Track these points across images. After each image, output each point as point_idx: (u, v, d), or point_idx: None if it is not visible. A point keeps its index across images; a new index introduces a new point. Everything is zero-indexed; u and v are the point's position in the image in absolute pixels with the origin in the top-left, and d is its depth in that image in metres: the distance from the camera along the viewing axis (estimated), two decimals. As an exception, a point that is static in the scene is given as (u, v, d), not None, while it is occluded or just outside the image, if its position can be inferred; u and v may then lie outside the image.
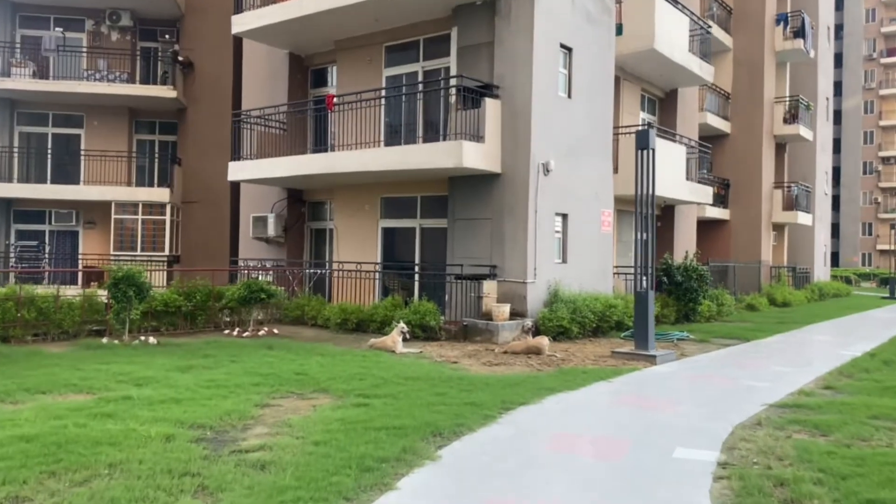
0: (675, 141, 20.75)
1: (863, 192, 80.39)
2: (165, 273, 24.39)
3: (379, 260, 17.92)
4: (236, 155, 19.03)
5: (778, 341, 15.57)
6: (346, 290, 16.67)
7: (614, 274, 19.04)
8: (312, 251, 20.49)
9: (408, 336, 12.66)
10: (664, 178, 19.17)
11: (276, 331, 14.81)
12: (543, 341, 12.31)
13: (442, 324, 14.54)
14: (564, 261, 16.31)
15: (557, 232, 16.15)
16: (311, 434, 6.60)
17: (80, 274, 26.23)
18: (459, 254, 16.05)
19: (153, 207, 26.97)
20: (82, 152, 27.75)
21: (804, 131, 31.74)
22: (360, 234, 18.32)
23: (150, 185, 27.82)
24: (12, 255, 27.42)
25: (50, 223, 27.88)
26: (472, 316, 14.76)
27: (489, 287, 15.08)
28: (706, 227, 28.87)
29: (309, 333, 14.99)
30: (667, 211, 23.24)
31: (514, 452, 6.30)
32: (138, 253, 26.58)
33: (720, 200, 29.86)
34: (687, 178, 21.67)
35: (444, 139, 15.41)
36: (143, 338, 13.04)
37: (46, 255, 27.67)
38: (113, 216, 26.70)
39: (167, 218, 27.03)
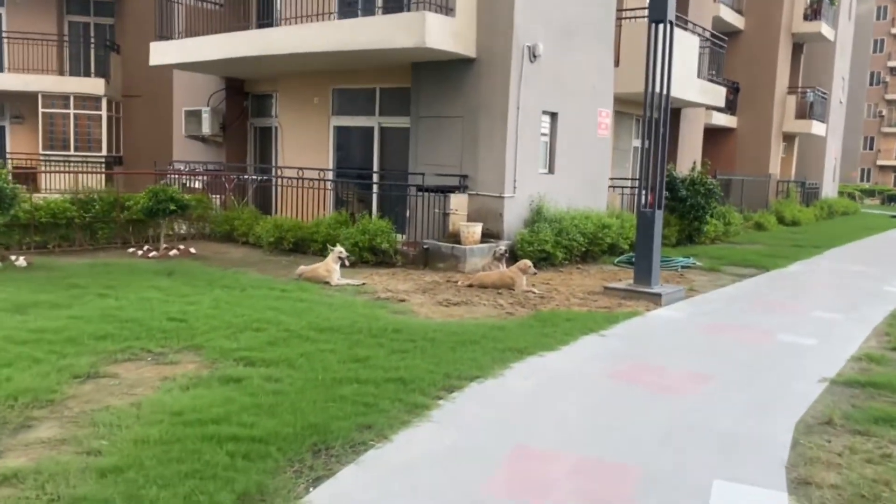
0: (686, 29, 17.53)
1: (867, 103, 76.91)
2: (103, 176, 21.29)
3: (331, 166, 15.02)
4: (160, 33, 15.74)
5: (802, 271, 13.02)
6: (293, 203, 13.80)
7: (609, 187, 16.26)
8: (257, 154, 17.50)
9: (347, 263, 9.96)
10: (673, 73, 16.13)
11: (192, 250, 12.06)
12: (518, 273, 9.64)
13: (399, 246, 11.84)
14: (551, 171, 13.48)
15: (544, 135, 13.25)
16: (109, 451, 3.97)
17: (9, 175, 23.26)
18: (424, 160, 13.17)
19: (86, 101, 23.64)
20: (3, 34, 24.10)
21: (826, 30, 28.33)
22: (309, 133, 15.32)
23: (86, 75, 24.35)
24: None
25: (-31, 117, 24.57)
26: (437, 236, 12.06)
27: (457, 202, 12.29)
28: (711, 136, 25.87)
29: (235, 254, 12.27)
30: (671, 115, 20.20)
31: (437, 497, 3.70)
32: (71, 153, 23.45)
33: (728, 106, 26.75)
34: (698, 77, 18.58)
35: (408, 10, 12.23)
36: (13, 257, 10.29)
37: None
38: (40, 110, 23.39)
39: (103, 113, 23.74)
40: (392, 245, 11.54)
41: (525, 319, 7.80)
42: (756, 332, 7.76)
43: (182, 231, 13.64)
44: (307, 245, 12.24)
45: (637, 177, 13.42)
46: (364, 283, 9.76)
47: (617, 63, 15.93)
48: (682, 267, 12.76)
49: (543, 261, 11.90)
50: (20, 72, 23.54)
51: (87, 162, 23.23)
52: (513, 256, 11.88)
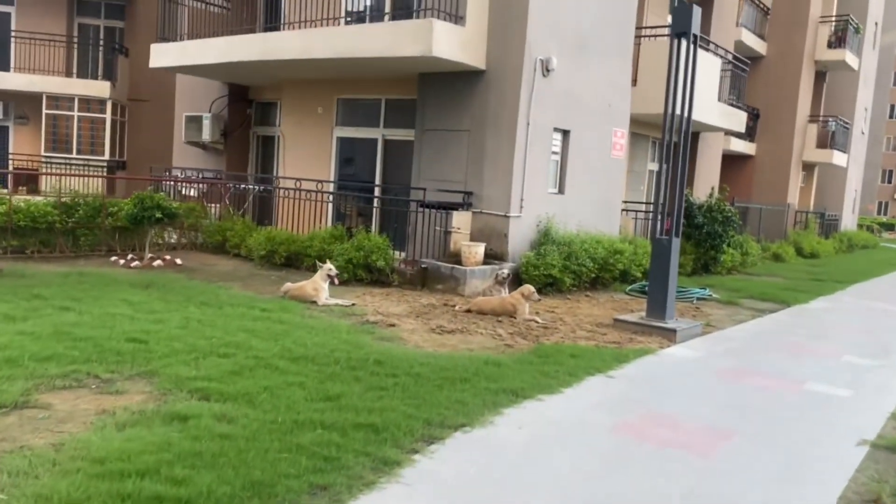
0: (707, 50, 16.85)
1: (886, 136, 75.87)
2: (104, 180, 20.73)
3: (333, 177, 14.38)
4: (162, 35, 15.21)
5: (826, 308, 12.19)
6: (292, 215, 13.08)
7: (622, 211, 15.53)
8: (258, 162, 16.90)
9: (336, 281, 9.25)
10: (695, 95, 15.46)
11: (178, 261, 11.40)
12: (520, 300, 8.91)
13: (397, 264, 11.14)
14: (561, 191, 12.77)
15: (555, 153, 12.56)
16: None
17: (9, 176, 22.87)
18: (428, 175, 12.49)
19: (91, 103, 23.21)
20: (12, 34, 23.75)
21: (850, 58, 27.57)
22: (312, 143, 14.70)
23: (94, 77, 23.90)
24: (-70, 150, 23.79)
25: (-27, 116, 24.15)
26: (438, 255, 11.35)
27: (460, 220, 11.60)
28: (728, 163, 25.06)
29: (224, 267, 11.60)
30: (690, 138, 19.48)
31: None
32: (73, 155, 22.98)
33: (747, 133, 26.00)
34: (718, 100, 17.87)
35: (416, 17, 11.60)
36: (-15, 263, 9.68)
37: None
38: (44, 111, 22.97)
39: (107, 116, 23.30)
40: (389, 263, 10.84)
41: (525, 354, 7.05)
42: (781, 378, 6.98)
43: (172, 240, 13.02)
44: (300, 260, 11.57)
45: (652, 201, 12.67)
46: (354, 304, 9.05)
47: (634, 82, 15.25)
48: (699, 299, 11.98)
49: (550, 286, 11.17)
50: (27, 72, 23.18)
51: (88, 165, 22.75)
52: (517, 280, 11.15)
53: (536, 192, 11.97)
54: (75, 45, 24.39)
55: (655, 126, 17.00)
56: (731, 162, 25.62)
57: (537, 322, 8.70)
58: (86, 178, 18.82)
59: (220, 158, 16.77)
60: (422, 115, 12.53)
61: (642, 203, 17.70)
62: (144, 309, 7.62)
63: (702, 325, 9.22)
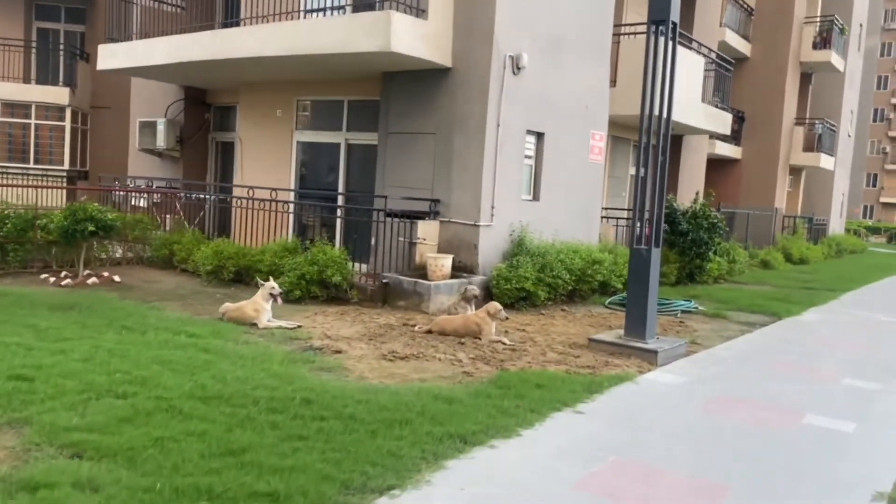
0: (690, 48, 16.08)
1: (871, 140, 75.80)
2: (63, 192, 19.61)
3: (293, 185, 13.45)
4: (110, 35, 14.26)
5: (820, 320, 11.37)
6: (250, 226, 12.09)
7: (602, 218, 14.69)
8: (218, 170, 15.96)
9: (279, 300, 8.30)
10: (676, 97, 14.68)
11: (117, 278, 10.42)
12: (485, 319, 8.01)
13: (357, 279, 10.23)
14: (535, 198, 11.90)
15: (529, 157, 11.70)
16: None
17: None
18: (393, 181, 11.60)
19: (49, 111, 22.16)
20: (-34, 39, 22.66)
21: (836, 59, 26.95)
22: (271, 149, 13.77)
23: (54, 83, 22.83)
24: None
25: (-75, 124, 23.02)
26: (404, 268, 10.45)
27: (426, 229, 10.70)
28: (714, 167, 24.33)
29: (167, 284, 10.64)
30: (672, 143, 18.70)
31: None
32: (31, 165, 21.90)
33: (733, 136, 25.31)
34: (702, 101, 17.11)
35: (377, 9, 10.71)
36: None
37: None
38: (-1, 119, 21.92)
39: (66, 124, 22.25)
40: (346, 278, 9.92)
41: (484, 384, 6.15)
42: (777, 409, 6.11)
43: (118, 255, 12.04)
44: (251, 275, 10.61)
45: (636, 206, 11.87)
46: (300, 326, 8.12)
47: (614, 83, 14.45)
48: (683, 311, 11.14)
49: (523, 300, 10.29)
50: (-18, 78, 22.15)
51: (46, 176, 21.67)
52: (488, 295, 10.27)
53: (509, 199, 11.10)
54: (33, 50, 23.34)
55: (637, 129, 16.25)
56: (717, 166, 24.91)
57: (504, 344, 7.80)
58: (38, 190, 17.70)
59: (177, 166, 15.81)
60: (385, 118, 11.64)
61: (624, 210, 16.89)
62: (51, 336, 6.66)
63: (686, 343, 8.35)
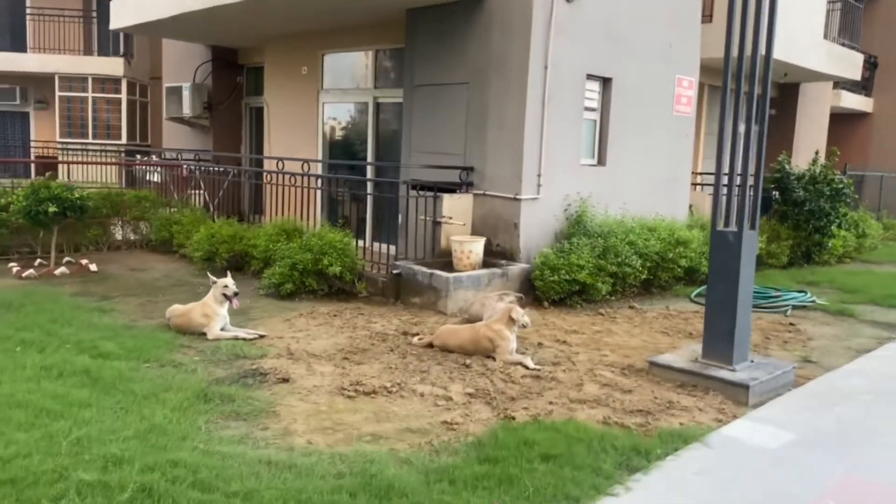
0: (811, -28, 12.94)
1: None
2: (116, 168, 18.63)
3: (320, 155, 11.57)
4: (121, -11, 12.74)
5: None
6: (280, 204, 10.16)
7: (694, 186, 12.03)
8: (252, 140, 14.29)
9: (235, 304, 6.35)
10: (788, 31, 11.76)
11: (94, 267, 8.87)
12: (501, 330, 5.78)
13: (370, 269, 8.24)
14: (601, 162, 9.48)
15: (591, 110, 9.26)
16: None
17: (32, 165, 21.25)
18: (420, 145, 9.50)
19: (105, 83, 21.31)
20: (27, 11, 22.11)
21: None
22: (297, 114, 11.94)
23: (115, 54, 21.96)
24: (-48, 140, 22.55)
25: (-9, 102, 22.74)
26: (429, 254, 8.38)
27: (454, 205, 8.55)
28: (838, 122, 20.62)
29: (153, 273, 9.01)
30: (786, 92, 15.59)
31: None
32: (90, 140, 21.17)
33: (862, 86, 21.46)
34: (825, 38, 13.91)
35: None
36: None
37: (-12, 142, 22.64)
38: (57, 93, 21.26)
39: (123, 97, 21.35)
40: (350, 268, 7.92)
41: (461, 455, 3.99)
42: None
43: (119, 237, 10.57)
44: (246, 262, 8.85)
45: (714, 173, 9.18)
46: (261, 336, 6.20)
47: (709, 17, 11.69)
48: (795, 307, 8.49)
49: (577, 295, 7.99)
50: (43, 52, 21.54)
51: (105, 151, 20.86)
52: (530, 288, 8.05)
53: (562, 165, 8.75)
54: (94, 21, 22.53)
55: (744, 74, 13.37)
56: (843, 121, 21.19)
57: (526, 367, 5.57)
58: (98, 167, 16.67)
59: (206, 136, 14.27)
60: (411, 67, 9.50)
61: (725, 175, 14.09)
62: None
63: (795, 366, 5.82)
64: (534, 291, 8.04)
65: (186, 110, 13.64)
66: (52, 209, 8.25)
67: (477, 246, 8.01)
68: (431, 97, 9.23)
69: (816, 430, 4.58)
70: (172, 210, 10.56)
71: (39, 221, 8.49)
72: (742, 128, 5.41)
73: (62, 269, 8.53)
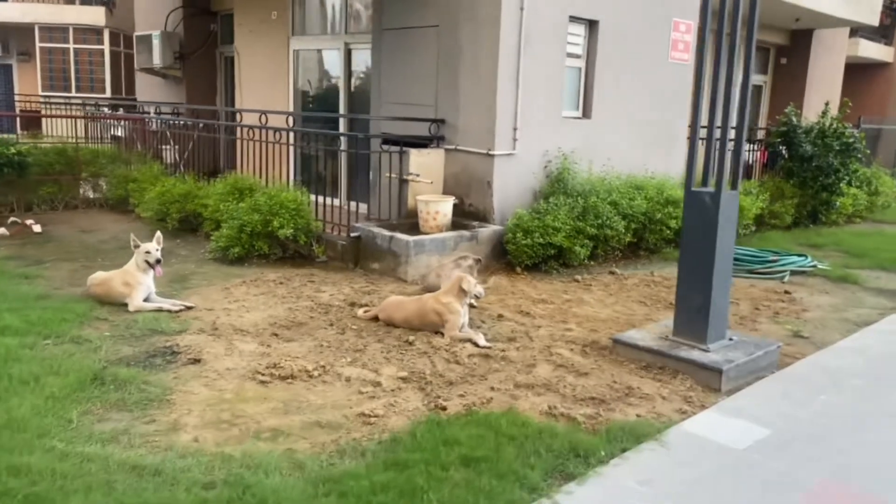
0: None
1: None
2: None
3: (291, 107, 10.84)
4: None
5: None
6: (251, 160, 9.43)
7: (695, 140, 11.19)
8: (227, 91, 13.55)
9: (159, 270, 5.72)
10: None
11: (37, 228, 8.31)
12: (451, 302, 5.14)
13: (331, 231, 7.60)
14: (586, 114, 8.71)
15: (575, 56, 8.46)
16: None
17: (17, 120, 20.60)
18: (390, 95, 8.77)
19: (87, 34, 20.51)
20: (6, -41, 21.20)
21: None
22: (267, 63, 11.17)
23: (98, 3, 21.08)
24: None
25: (-28, 53, 22.03)
26: (398, 214, 7.74)
27: (421, 162, 7.85)
28: (855, 73, 19.54)
29: (99, 235, 8.42)
30: (798, 39, 14.58)
31: None
32: (73, 94, 20.46)
33: (882, 34, 20.28)
34: (841, -21, 12.87)
35: None
36: None
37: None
38: (37, 44, 20.51)
39: (105, 48, 20.57)
40: (304, 229, 7.28)
41: (374, 454, 3.40)
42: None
43: (77, 196, 9.97)
44: (199, 223, 8.24)
45: (697, 124, 8.48)
46: (189, 308, 5.60)
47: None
48: (793, 272, 7.80)
49: (554, 260, 7.33)
50: (22, 1, 20.72)
51: (87, 105, 20.15)
52: (503, 253, 7.40)
53: (542, 118, 8.00)
54: (74, -34, 21.59)
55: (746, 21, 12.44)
56: (860, 72, 20.07)
57: (477, 345, 4.95)
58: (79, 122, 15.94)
59: (180, 87, 13.55)
60: (379, 7, 8.72)
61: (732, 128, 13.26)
62: None
63: (779, 343, 5.15)
64: (506, 256, 7.38)
65: (157, 60, 12.90)
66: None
67: (444, 206, 7.33)
68: (400, 42, 8.46)
69: (795, 424, 3.94)
70: (131, 167, 9.90)
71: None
72: (724, 75, 4.65)
73: (2, 231, 7.95)
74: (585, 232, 7.40)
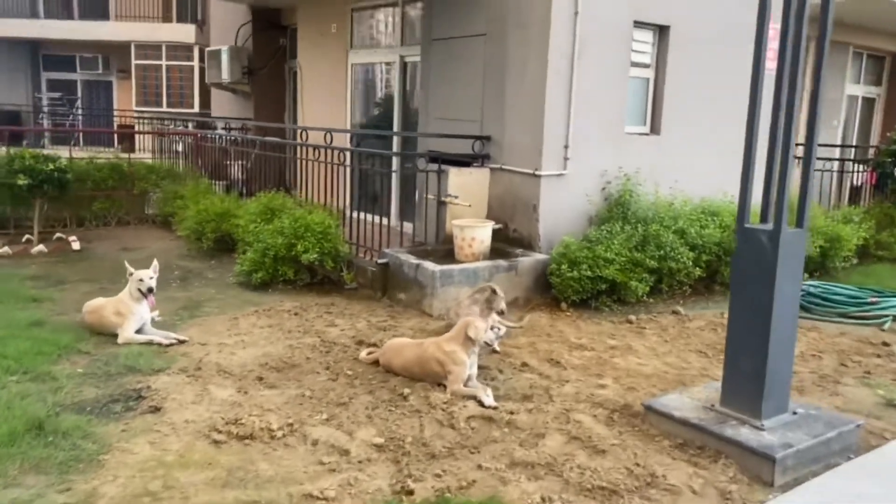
0: None
1: None
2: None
3: (348, 123, 10.40)
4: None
5: None
6: (309, 179, 8.88)
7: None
8: (295, 107, 13.32)
9: (150, 301, 5.26)
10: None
11: (76, 245, 8.19)
12: (455, 351, 4.40)
13: (364, 256, 7.04)
14: (654, 129, 7.79)
15: (642, 65, 7.57)
16: None
17: (115, 136, 21.43)
18: (437, 110, 8.17)
19: (178, 51, 21.08)
20: (107, -22, 22.19)
21: None
22: (327, 78, 10.82)
23: (194, 21, 21.66)
24: (44, 109, 23.11)
25: (77, 71, 23.06)
26: (436, 239, 7.11)
27: (462, 182, 7.17)
28: None
29: (144, 252, 8.18)
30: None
31: None
32: (164, 109, 21.05)
33: None
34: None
35: None
36: None
37: (75, 111, 23.02)
38: (133, 62, 21.26)
39: (195, 64, 21.04)
40: (332, 255, 6.73)
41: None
42: None
43: (130, 212, 9.88)
44: (234, 243, 7.86)
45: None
46: (182, 341, 5.14)
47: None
48: (895, 318, 6.59)
49: (606, 295, 6.46)
50: (125, 20, 21.55)
51: (177, 120, 20.69)
52: (546, 287, 6.61)
53: (599, 134, 7.15)
54: (172, -14, 22.33)
55: (855, 28, 11.12)
56: None
57: (482, 404, 4.19)
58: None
59: (249, 103, 13.45)
60: (429, 16, 8.14)
61: (836, 146, 11.91)
62: None
63: (860, 422, 4.11)
64: (551, 290, 6.57)
65: (224, 75, 12.83)
66: (21, 181, 7.53)
67: (481, 232, 6.61)
68: (448, 53, 7.84)
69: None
70: (184, 183, 9.73)
71: (16, 195, 7.81)
72: (786, 80, 3.74)
73: (39, 248, 7.86)
74: (644, 264, 6.49)
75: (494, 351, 5.10)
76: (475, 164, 7.40)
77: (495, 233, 7.12)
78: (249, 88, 13.22)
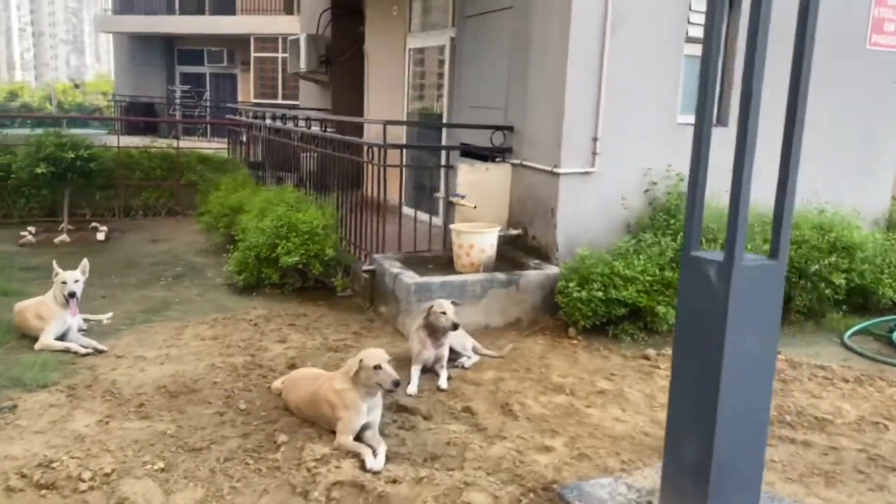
0: None
1: None
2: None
3: (405, 115, 9.65)
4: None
5: None
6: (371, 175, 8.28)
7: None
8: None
9: (74, 306, 4.74)
10: None
11: (101, 236, 8.02)
12: (343, 397, 3.48)
13: (357, 260, 6.29)
14: (720, 120, 6.37)
15: (698, 41, 6.18)
16: None
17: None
18: (465, 96, 7.22)
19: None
20: (236, -27, 22.84)
21: None
22: (388, 65, 10.16)
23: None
24: (177, 101, 24.23)
25: (206, 64, 23.94)
26: (444, 244, 6.22)
27: (474, 179, 6.19)
28: None
29: (169, 244, 8.00)
30: None
31: None
32: (279, 101, 21.36)
33: None
34: None
35: None
36: None
37: (202, 103, 23.92)
38: (252, 54, 21.76)
39: (306, 56, 21.07)
40: (320, 257, 6.01)
41: None
42: None
43: (180, 202, 9.73)
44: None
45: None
46: (101, 352, 4.61)
47: None
48: None
49: (629, 321, 5.27)
50: (250, 14, 22.08)
51: (256, 112, 20.85)
52: (556, 307, 5.52)
53: (642, 124, 5.92)
54: (282, -21, 22.59)
55: None
56: None
57: (363, 466, 3.26)
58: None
59: (326, 93, 13.05)
60: (462, -7, 7.19)
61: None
62: None
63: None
64: (557, 310, 5.47)
65: (302, 64, 12.49)
66: (40, 170, 7.42)
67: (482, 239, 5.61)
68: (477, 31, 6.87)
69: None
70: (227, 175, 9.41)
71: (41, 183, 7.75)
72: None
73: (62, 237, 7.76)
74: (677, 285, 5.21)
75: (440, 388, 4.17)
76: (497, 159, 6.39)
77: (514, 241, 6.13)
78: (327, 78, 12.81)
